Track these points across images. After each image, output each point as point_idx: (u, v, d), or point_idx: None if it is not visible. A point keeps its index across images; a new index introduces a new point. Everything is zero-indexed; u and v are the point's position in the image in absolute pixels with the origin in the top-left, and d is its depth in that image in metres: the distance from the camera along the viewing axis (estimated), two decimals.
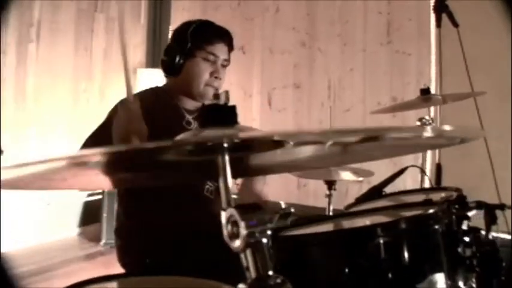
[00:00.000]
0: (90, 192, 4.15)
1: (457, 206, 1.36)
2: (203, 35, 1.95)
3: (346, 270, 1.17)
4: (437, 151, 2.68)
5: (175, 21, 4.69)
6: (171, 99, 1.99)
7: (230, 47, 2.02)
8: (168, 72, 1.99)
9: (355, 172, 2.57)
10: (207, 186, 1.98)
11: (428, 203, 1.51)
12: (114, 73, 4.26)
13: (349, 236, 1.24)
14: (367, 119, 3.66)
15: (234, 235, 0.77)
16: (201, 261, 1.64)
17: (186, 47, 1.92)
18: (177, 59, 1.93)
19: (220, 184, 0.79)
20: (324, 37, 3.90)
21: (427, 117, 2.45)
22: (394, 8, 3.60)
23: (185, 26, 1.99)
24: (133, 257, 1.98)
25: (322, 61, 3.92)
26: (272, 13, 4.16)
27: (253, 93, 4.30)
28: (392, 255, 1.15)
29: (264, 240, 0.75)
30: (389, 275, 1.14)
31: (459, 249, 1.29)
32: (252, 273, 0.73)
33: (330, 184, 2.60)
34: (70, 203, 4.10)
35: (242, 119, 4.24)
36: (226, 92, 0.86)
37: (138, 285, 1.38)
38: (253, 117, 4.26)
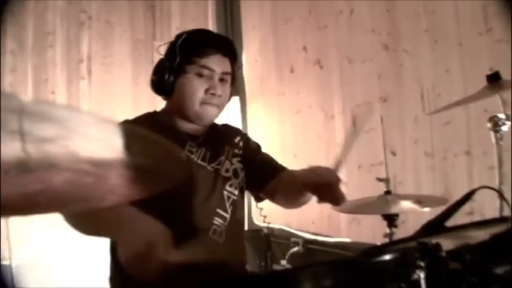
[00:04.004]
0: None
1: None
2: (194, 47, 1.69)
3: None
4: None
5: (247, 40, 4.28)
6: (169, 124, 1.74)
7: (232, 58, 1.75)
8: (158, 92, 1.75)
9: (419, 201, 1.88)
10: (214, 227, 1.72)
11: None
12: None
13: None
14: (472, 130, 2.83)
15: None
16: None
17: (175, 63, 1.68)
18: (167, 76, 1.68)
19: None
20: (410, 35, 3.13)
21: (500, 116, 1.83)
22: None
23: (176, 38, 1.74)
24: None
25: (411, 65, 3.14)
26: (346, 16, 3.50)
27: (335, 113, 3.64)
28: None
29: None
30: None
31: None
32: None
33: (390, 220, 1.98)
34: None
35: (325, 144, 3.49)
36: None
37: None
38: (337, 143, 3.58)
